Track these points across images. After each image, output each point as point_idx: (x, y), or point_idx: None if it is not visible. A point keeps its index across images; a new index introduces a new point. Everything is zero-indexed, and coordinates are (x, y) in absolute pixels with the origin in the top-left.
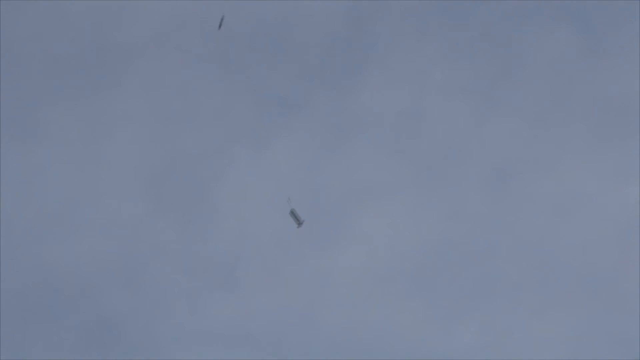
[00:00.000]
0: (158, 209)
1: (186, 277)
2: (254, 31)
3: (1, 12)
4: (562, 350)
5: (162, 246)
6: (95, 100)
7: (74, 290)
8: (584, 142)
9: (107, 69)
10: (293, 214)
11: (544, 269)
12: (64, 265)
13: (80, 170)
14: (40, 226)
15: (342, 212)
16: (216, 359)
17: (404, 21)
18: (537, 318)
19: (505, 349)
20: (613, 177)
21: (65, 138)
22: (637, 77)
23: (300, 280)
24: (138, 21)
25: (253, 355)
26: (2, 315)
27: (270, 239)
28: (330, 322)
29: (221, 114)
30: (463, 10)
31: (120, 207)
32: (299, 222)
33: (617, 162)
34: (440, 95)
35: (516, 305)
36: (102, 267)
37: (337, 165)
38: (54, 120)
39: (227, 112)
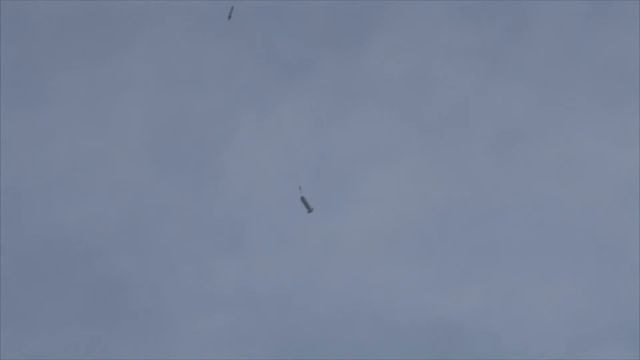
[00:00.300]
0: (164, 172)
1: (192, 240)
2: None
3: None
4: (567, 312)
5: (168, 209)
6: (100, 64)
7: (81, 252)
8: (587, 105)
9: (112, 32)
10: (304, 200)
11: (549, 231)
12: (71, 227)
13: (87, 133)
14: (47, 189)
15: (348, 175)
16: (222, 322)
17: None
18: (542, 280)
19: (511, 310)
20: (616, 140)
21: (71, 101)
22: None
23: (306, 243)
24: None
25: (260, 319)
26: (9, 277)
27: (276, 202)
28: (336, 285)
29: (227, 77)
30: None
31: (127, 169)
32: (309, 209)
33: (620, 125)
34: (446, 58)
35: (521, 267)
36: (108, 229)
37: (342, 129)
38: (60, 84)
39: (232, 75)
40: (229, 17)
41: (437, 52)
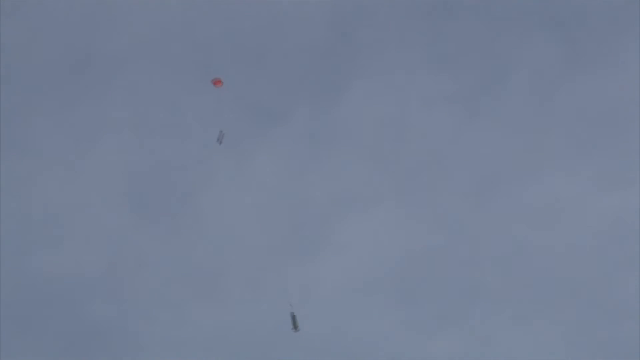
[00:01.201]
0: (142, 219)
1: (170, 287)
2: (236, 42)
3: None
4: (545, 358)
5: (147, 255)
6: (79, 110)
7: (59, 299)
8: (565, 150)
9: (91, 79)
10: (293, 318)
11: (526, 277)
12: (49, 274)
13: (65, 180)
14: (25, 235)
15: (324, 222)
16: None
17: (386, 31)
18: (520, 327)
19: (488, 357)
20: (594, 186)
21: (50, 147)
22: (617, 85)
23: (282, 289)
24: (121, 31)
25: None
26: None
27: (254, 248)
28: (313, 332)
29: (203, 124)
30: (445, 20)
31: (105, 216)
32: (296, 328)
33: (598, 171)
34: (423, 105)
35: (498, 313)
36: (87, 276)
37: (319, 175)
38: (39, 130)
39: (209, 122)
40: (219, 141)
41: (412, 99)
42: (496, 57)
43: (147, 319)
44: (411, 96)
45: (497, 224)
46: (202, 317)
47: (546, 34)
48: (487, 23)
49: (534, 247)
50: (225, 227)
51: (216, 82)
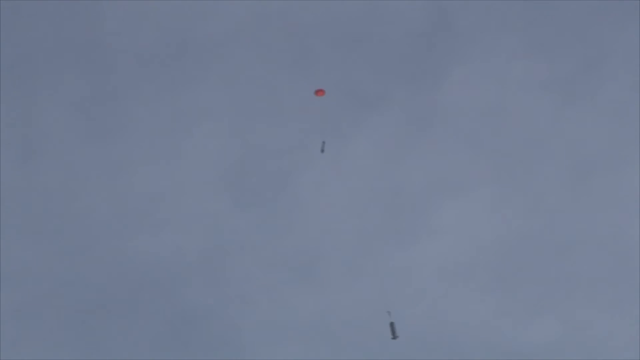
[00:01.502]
0: (239, 204)
1: (268, 271)
2: (334, 28)
3: (89, 11)
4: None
5: (244, 240)
6: (176, 96)
7: (156, 286)
8: None
9: (188, 65)
10: (392, 326)
11: (624, 265)
12: (146, 260)
13: (163, 166)
14: (123, 221)
15: (421, 207)
16: (298, 353)
17: (485, 16)
18: (617, 313)
19: (585, 345)
20: None
21: (148, 133)
22: None
23: (380, 275)
24: (219, 17)
25: (336, 349)
26: (87, 309)
27: (351, 234)
28: (411, 317)
29: (301, 110)
30: (542, 5)
31: (202, 202)
32: (394, 336)
33: None
34: (521, 91)
35: (595, 301)
36: (184, 262)
37: (416, 161)
38: (137, 116)
39: (306, 107)
40: (322, 150)
41: (510, 85)
42: (593, 40)
43: (245, 304)
44: (509, 82)
45: (595, 209)
46: (300, 302)
47: None
48: (584, 7)
49: (632, 233)
50: (323, 212)
51: (318, 92)
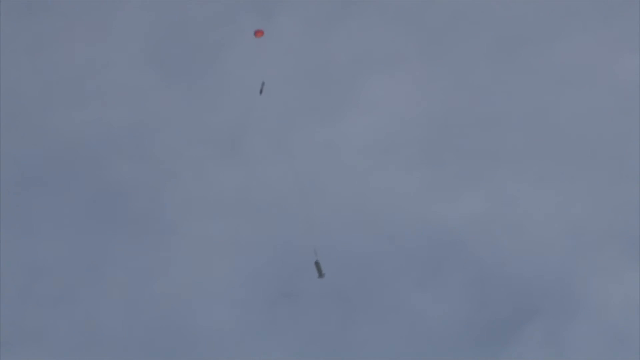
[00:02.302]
0: (165, 78)
1: (193, 146)
2: None
3: None
4: (567, 217)
5: (169, 114)
6: None
7: (80, 160)
8: (589, 11)
9: None
10: (317, 265)
11: (549, 137)
12: (70, 135)
13: (88, 39)
14: (47, 95)
15: (348, 82)
16: (221, 227)
17: None
18: (542, 186)
19: (511, 216)
20: (616, 46)
21: (76, 6)
22: None
23: (306, 150)
24: None
25: (258, 224)
26: (9, 183)
27: (276, 109)
28: (336, 192)
29: None
30: None
31: (127, 75)
32: (321, 274)
33: (620, 31)
34: None
35: (521, 173)
36: (108, 137)
37: (343, 36)
38: None
39: None
40: (261, 92)
41: None
42: None
43: (169, 178)
44: None
45: (521, 83)
46: (224, 177)
47: None
48: None
49: (558, 107)
50: (249, 86)
51: (258, 32)
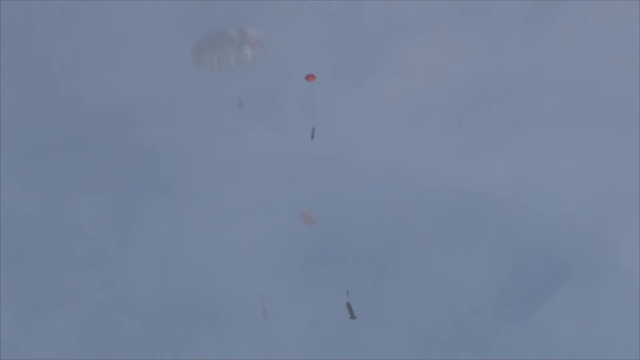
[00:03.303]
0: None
1: (224, 109)
2: None
3: None
4: (598, 181)
5: (201, 78)
6: None
7: (112, 123)
8: None
9: None
10: (349, 307)
11: (581, 101)
12: (103, 97)
13: (119, 3)
14: (80, 61)
15: (379, 46)
16: (253, 191)
17: None
18: (574, 149)
19: (541, 179)
20: None
21: None
22: None
23: (337, 114)
24: None
25: (291, 188)
26: (44, 150)
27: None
28: (367, 157)
29: None
30: None
31: (159, 40)
32: (352, 316)
33: None
34: None
35: (553, 136)
36: (141, 99)
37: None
38: None
39: None
40: (312, 137)
41: None
42: None
43: (200, 141)
44: None
45: (552, 46)
46: (256, 142)
47: None
48: None
49: (591, 70)
50: (285, 54)
51: (309, 77)
